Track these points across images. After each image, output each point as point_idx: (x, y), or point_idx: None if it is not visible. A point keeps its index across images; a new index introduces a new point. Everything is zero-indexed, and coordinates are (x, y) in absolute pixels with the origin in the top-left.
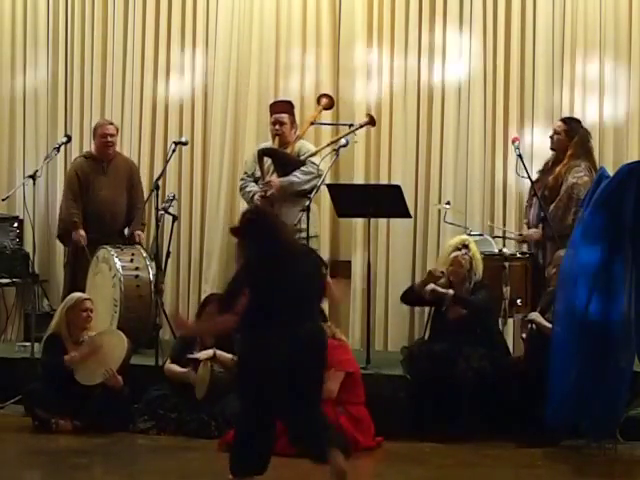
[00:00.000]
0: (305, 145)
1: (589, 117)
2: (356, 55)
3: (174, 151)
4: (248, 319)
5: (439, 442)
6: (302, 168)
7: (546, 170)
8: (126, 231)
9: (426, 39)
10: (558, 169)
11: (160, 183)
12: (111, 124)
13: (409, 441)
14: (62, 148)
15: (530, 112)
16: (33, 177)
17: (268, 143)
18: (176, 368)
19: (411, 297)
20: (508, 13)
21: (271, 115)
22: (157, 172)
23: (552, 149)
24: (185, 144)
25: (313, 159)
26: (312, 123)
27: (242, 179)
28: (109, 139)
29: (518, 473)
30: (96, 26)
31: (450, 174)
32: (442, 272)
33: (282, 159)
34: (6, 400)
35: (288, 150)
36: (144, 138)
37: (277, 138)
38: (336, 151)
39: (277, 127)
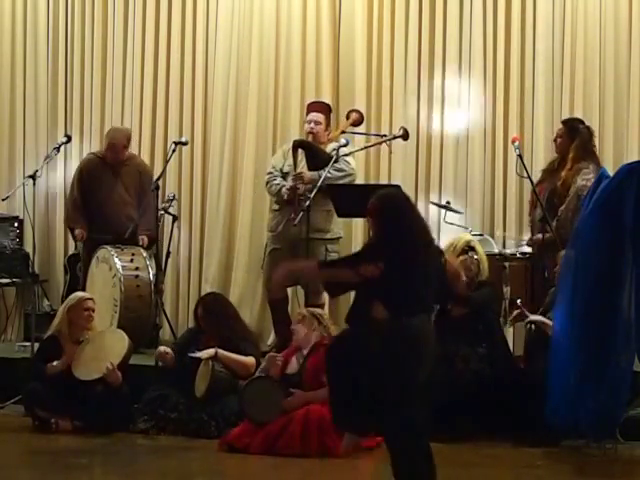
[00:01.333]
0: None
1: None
2: (356, 55)
3: (174, 151)
4: (396, 300)
5: (439, 442)
6: (335, 165)
7: (551, 170)
8: (127, 234)
9: (426, 39)
10: (564, 174)
11: (160, 183)
12: (117, 130)
13: None
14: (62, 148)
15: (530, 112)
16: (33, 177)
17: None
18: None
19: None
20: (508, 13)
21: (307, 114)
22: (157, 172)
23: (557, 153)
24: (185, 144)
25: (347, 158)
26: (343, 132)
27: (269, 172)
28: (111, 148)
29: (518, 473)
30: (96, 26)
31: (450, 174)
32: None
33: (316, 153)
34: (6, 400)
35: None
36: (144, 138)
37: (311, 137)
38: (336, 151)
39: (312, 126)
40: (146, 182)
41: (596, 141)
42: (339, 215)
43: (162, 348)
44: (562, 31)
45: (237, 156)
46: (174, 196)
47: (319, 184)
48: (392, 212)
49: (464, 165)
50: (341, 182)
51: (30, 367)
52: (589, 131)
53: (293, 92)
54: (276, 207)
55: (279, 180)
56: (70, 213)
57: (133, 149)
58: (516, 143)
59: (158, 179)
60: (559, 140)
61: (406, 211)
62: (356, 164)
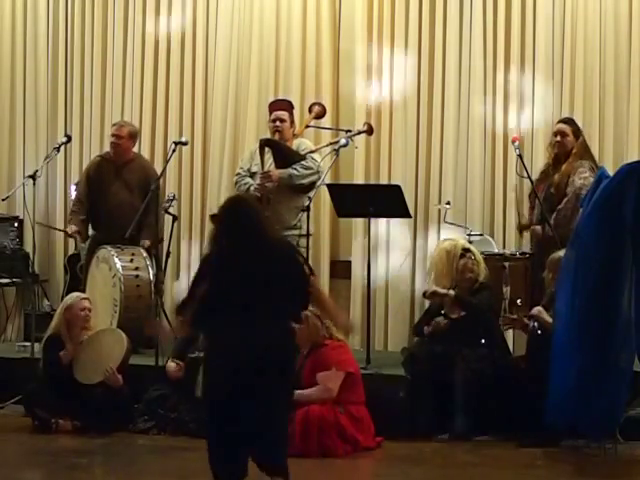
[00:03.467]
0: (304, 142)
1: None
2: (356, 55)
3: (174, 151)
4: (207, 315)
5: (439, 442)
6: (302, 162)
7: (548, 171)
8: (127, 234)
9: (426, 39)
10: (564, 167)
11: (160, 183)
12: (122, 126)
13: (409, 441)
14: (62, 148)
15: (530, 111)
16: (33, 177)
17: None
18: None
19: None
20: (508, 13)
21: (270, 113)
22: (157, 172)
23: (556, 153)
24: (185, 144)
25: (314, 155)
26: (307, 126)
27: (237, 174)
28: (112, 140)
29: (518, 473)
30: (96, 26)
31: (450, 174)
32: (446, 288)
33: (283, 151)
34: (6, 400)
35: None
36: (144, 138)
37: (276, 135)
38: (336, 151)
39: (277, 124)
40: (150, 183)
41: (596, 141)
42: (339, 215)
43: (173, 365)
44: (562, 31)
45: (237, 156)
46: (174, 196)
47: (287, 182)
48: (230, 222)
49: (464, 164)
50: (308, 180)
51: (31, 367)
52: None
53: (293, 91)
54: None
55: (247, 180)
56: (69, 214)
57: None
58: (516, 143)
59: (158, 179)
60: (566, 139)
61: (245, 222)
62: (356, 164)
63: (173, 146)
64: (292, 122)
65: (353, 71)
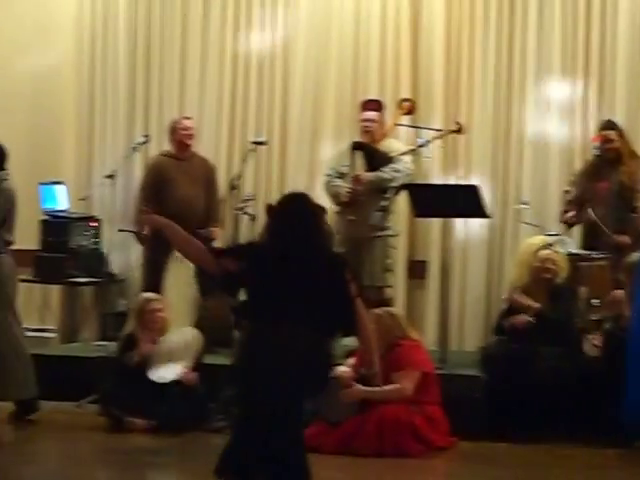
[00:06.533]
0: (393, 143)
1: None
2: (435, 52)
3: (252, 151)
4: (244, 308)
5: (513, 442)
6: (392, 165)
7: (594, 172)
8: (203, 231)
9: (505, 37)
10: (624, 167)
11: (238, 183)
12: (189, 118)
13: (483, 441)
14: (140, 148)
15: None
16: (111, 177)
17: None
18: None
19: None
20: (587, 15)
21: (361, 112)
22: (235, 171)
23: (608, 158)
24: (263, 144)
25: (404, 158)
26: (396, 124)
27: (327, 174)
28: (189, 132)
29: (592, 475)
30: (175, 25)
31: (528, 172)
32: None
33: (374, 154)
34: (81, 399)
35: None
36: (222, 137)
37: (366, 135)
38: (415, 150)
39: (367, 124)
40: (213, 176)
41: None
42: (416, 215)
43: None
44: None
45: (315, 156)
46: (252, 196)
47: (377, 185)
48: (282, 218)
49: (542, 164)
50: (398, 182)
51: (107, 366)
52: None
53: (372, 91)
54: (336, 209)
55: (337, 181)
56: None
57: (212, 148)
58: (595, 144)
59: (236, 179)
60: (614, 143)
61: (297, 221)
62: (434, 163)
63: (251, 145)
64: (382, 122)
65: (432, 69)
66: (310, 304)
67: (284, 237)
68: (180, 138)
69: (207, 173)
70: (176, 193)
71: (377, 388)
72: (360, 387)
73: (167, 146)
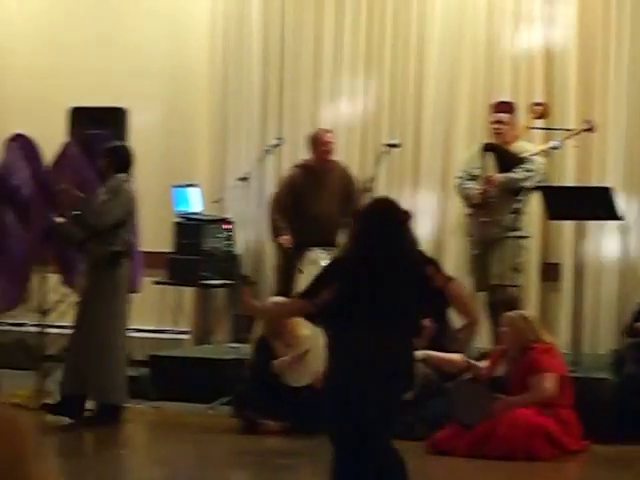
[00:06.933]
0: (526, 146)
1: None
2: (569, 53)
3: (385, 153)
4: (333, 319)
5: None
6: (523, 165)
7: None
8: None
9: (637, 34)
10: None
11: (371, 185)
12: (329, 132)
13: (617, 445)
14: (274, 150)
15: None
16: (244, 179)
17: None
18: None
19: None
20: None
21: (492, 114)
22: (368, 174)
23: None
24: (397, 146)
25: (535, 157)
26: (529, 128)
27: (459, 177)
28: (329, 147)
29: None
30: (309, 28)
31: None
32: None
33: (505, 156)
34: (214, 401)
35: None
36: (355, 139)
37: (497, 137)
38: (548, 153)
39: (498, 126)
40: (352, 187)
41: None
42: (550, 218)
43: None
44: None
45: (448, 158)
46: None
47: (509, 186)
48: (369, 224)
49: None
50: (530, 182)
51: (240, 369)
52: None
53: (505, 92)
54: (468, 211)
55: (468, 184)
56: (276, 224)
57: (345, 150)
58: None
59: (369, 181)
60: None
61: (386, 228)
62: (566, 165)
63: (385, 148)
64: (513, 124)
65: (565, 70)
66: (396, 307)
67: (369, 242)
68: (320, 153)
69: (347, 186)
70: (312, 209)
71: (522, 396)
72: (508, 398)
73: (301, 149)
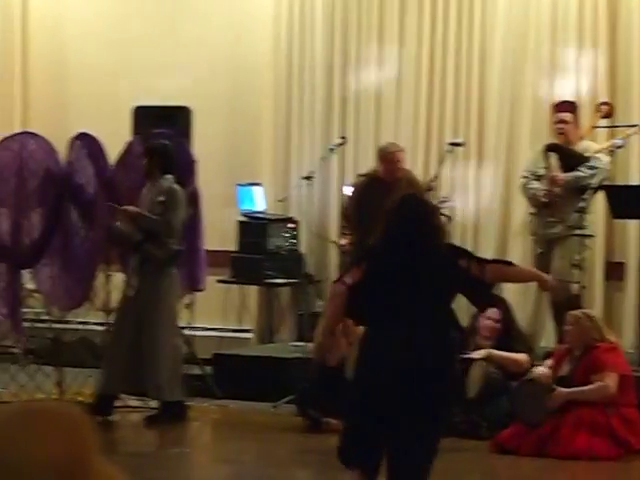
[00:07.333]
0: (590, 145)
1: None
2: (633, 52)
3: (449, 152)
4: (364, 307)
5: None
6: (587, 163)
7: None
8: None
9: None
10: None
11: (434, 184)
12: (400, 151)
13: None
14: (337, 149)
15: None
16: (308, 178)
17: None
18: None
19: None
20: None
21: (555, 114)
22: (431, 173)
23: None
24: (460, 145)
25: (599, 155)
26: (594, 127)
27: (524, 177)
28: (399, 165)
29: None
30: (371, 28)
31: None
32: None
33: (568, 155)
34: (278, 399)
35: None
36: (419, 138)
37: (560, 137)
38: (612, 152)
39: (561, 126)
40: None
41: None
42: (614, 217)
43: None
44: None
45: (512, 157)
46: (448, 197)
47: (574, 185)
48: (399, 218)
49: None
50: (596, 180)
51: (304, 367)
52: None
53: (568, 92)
54: (532, 210)
55: (533, 184)
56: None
57: (409, 149)
58: None
59: (433, 180)
60: None
61: (414, 222)
62: (631, 164)
63: (448, 147)
64: (576, 123)
65: (630, 68)
66: (427, 304)
67: (400, 237)
68: (389, 171)
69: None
70: (378, 214)
71: (579, 388)
72: (562, 390)
73: (365, 149)
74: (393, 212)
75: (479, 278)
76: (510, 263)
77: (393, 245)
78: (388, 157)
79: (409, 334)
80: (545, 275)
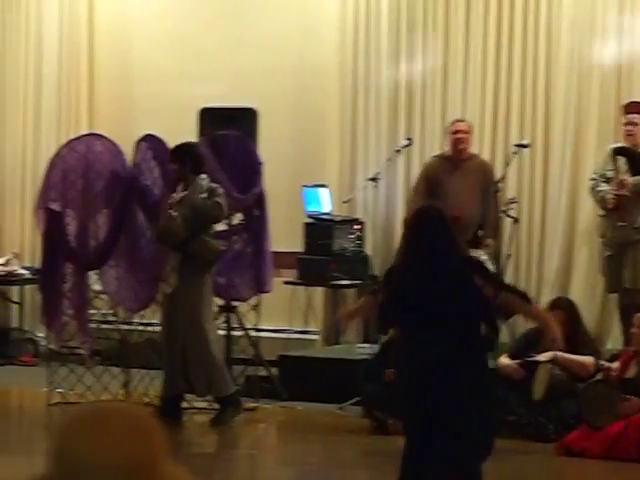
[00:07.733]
0: None
1: None
2: None
3: (515, 153)
4: (396, 321)
5: None
6: None
7: None
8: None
9: None
10: None
11: (501, 185)
12: (462, 121)
13: None
14: (403, 151)
15: None
16: (374, 180)
17: (620, 143)
18: (506, 361)
19: None
20: None
21: (624, 115)
22: (498, 174)
23: None
24: (526, 147)
25: None
26: None
27: (593, 179)
28: (459, 135)
29: None
30: (438, 30)
31: None
32: None
33: (636, 157)
34: (344, 401)
35: None
36: (485, 140)
37: (629, 139)
38: None
39: (630, 128)
40: (490, 181)
41: None
42: None
43: (513, 364)
44: None
45: (578, 159)
46: (515, 199)
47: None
48: (418, 232)
49: None
50: None
51: (370, 369)
52: None
53: (635, 93)
54: (601, 213)
55: (602, 187)
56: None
57: (475, 151)
58: None
59: (499, 181)
60: None
61: (432, 237)
62: None
63: (514, 149)
64: None
65: None
66: (446, 319)
67: (419, 248)
68: (452, 142)
69: (484, 178)
70: (447, 197)
71: None
72: (635, 399)
73: (431, 150)
74: (409, 228)
75: (490, 300)
76: (526, 297)
77: (410, 266)
78: (449, 128)
79: (426, 351)
80: (555, 327)
